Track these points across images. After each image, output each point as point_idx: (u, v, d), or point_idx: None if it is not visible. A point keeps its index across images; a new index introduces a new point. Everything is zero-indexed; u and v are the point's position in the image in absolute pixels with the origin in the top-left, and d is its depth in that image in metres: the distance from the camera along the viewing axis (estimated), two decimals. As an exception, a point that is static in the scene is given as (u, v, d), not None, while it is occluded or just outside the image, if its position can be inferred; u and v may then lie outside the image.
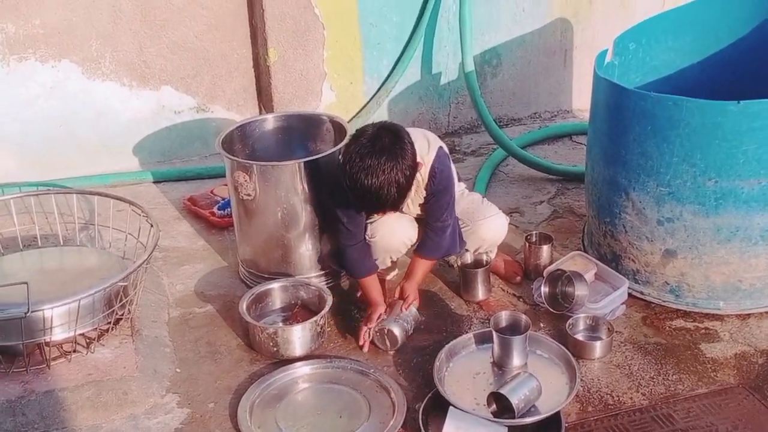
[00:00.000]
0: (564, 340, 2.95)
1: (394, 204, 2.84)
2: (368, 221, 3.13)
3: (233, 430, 2.68)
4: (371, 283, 3.15)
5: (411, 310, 3.08)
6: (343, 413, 2.73)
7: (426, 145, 2.99)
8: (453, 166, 3.13)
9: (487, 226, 3.19)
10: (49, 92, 4.18)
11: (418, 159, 2.89)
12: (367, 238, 3.14)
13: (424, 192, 3.02)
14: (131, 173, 4.33)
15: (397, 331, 2.99)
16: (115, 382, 2.80)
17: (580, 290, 3.06)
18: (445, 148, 3.07)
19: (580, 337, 2.99)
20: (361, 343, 3.03)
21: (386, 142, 2.78)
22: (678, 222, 3.04)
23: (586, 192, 3.49)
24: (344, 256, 3.15)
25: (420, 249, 3.16)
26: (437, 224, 3.08)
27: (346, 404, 2.77)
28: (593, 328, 3.03)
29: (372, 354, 3.01)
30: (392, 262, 3.27)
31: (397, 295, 3.15)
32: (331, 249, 3.27)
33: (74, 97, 4.22)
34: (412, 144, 2.84)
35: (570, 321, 3.00)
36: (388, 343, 3.01)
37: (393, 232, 3.12)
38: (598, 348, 2.94)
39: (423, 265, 3.17)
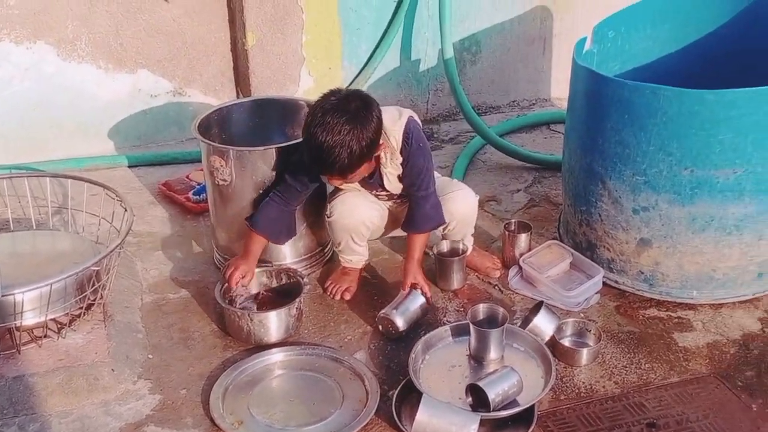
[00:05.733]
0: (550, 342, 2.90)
1: (342, 170, 2.78)
2: (329, 201, 3.12)
3: (205, 417, 2.67)
4: (257, 242, 3.10)
5: (414, 296, 3.02)
6: (316, 400, 2.72)
7: (398, 114, 2.97)
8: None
9: (455, 199, 3.14)
10: (24, 74, 4.13)
11: (391, 127, 2.88)
12: (325, 217, 3.13)
13: (400, 158, 2.97)
14: (106, 157, 4.29)
15: (398, 319, 2.96)
16: (86, 368, 2.77)
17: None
18: (417, 118, 3.02)
19: (566, 342, 2.94)
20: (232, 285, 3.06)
21: (353, 106, 2.75)
22: (653, 211, 3.04)
23: (562, 180, 3.49)
24: (262, 203, 3.09)
25: (409, 224, 3.09)
26: (420, 193, 3.02)
27: (319, 391, 2.76)
28: (581, 333, 2.98)
29: (345, 341, 3.00)
30: (358, 246, 3.19)
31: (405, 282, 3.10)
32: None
33: (49, 79, 4.17)
34: (379, 120, 2.81)
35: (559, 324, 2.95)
36: (391, 329, 2.98)
37: (351, 210, 3.09)
38: (584, 355, 2.87)
39: (417, 241, 3.11)
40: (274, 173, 3.16)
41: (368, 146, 2.78)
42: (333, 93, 2.82)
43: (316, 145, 2.74)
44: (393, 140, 2.92)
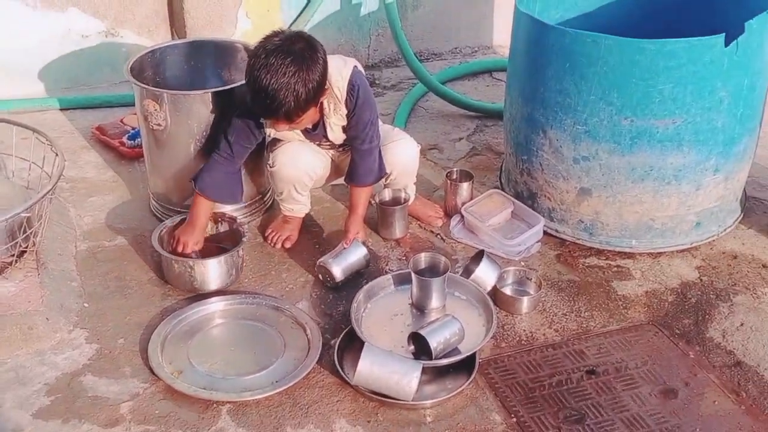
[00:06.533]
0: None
1: (288, 114, 2.71)
2: (270, 150, 3.07)
3: (143, 366, 2.63)
4: (204, 206, 3.01)
5: (356, 246, 2.99)
6: (257, 350, 2.70)
7: (342, 63, 2.88)
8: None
9: (396, 149, 3.10)
10: (-55, 11, 3.95)
11: (336, 77, 2.81)
12: (267, 167, 3.08)
13: (345, 109, 2.90)
14: (36, 100, 4.15)
15: (335, 268, 2.93)
16: (19, 317, 2.70)
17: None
18: (361, 68, 2.95)
19: (507, 291, 2.95)
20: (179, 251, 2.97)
21: (298, 47, 2.67)
22: (593, 161, 3.06)
23: (504, 129, 3.48)
24: (206, 164, 3.00)
25: (352, 177, 3.04)
26: (363, 147, 2.97)
27: (260, 341, 2.74)
28: (521, 281, 3.00)
29: (287, 290, 2.98)
30: (300, 195, 3.13)
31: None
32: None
33: (-27, 17, 4.00)
34: (325, 62, 2.74)
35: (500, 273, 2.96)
36: (328, 278, 2.96)
37: (294, 161, 3.03)
38: (525, 303, 2.89)
39: (361, 195, 3.07)
40: (210, 118, 3.08)
41: (315, 89, 2.70)
42: (276, 34, 2.73)
43: (260, 88, 2.65)
44: (336, 90, 2.85)
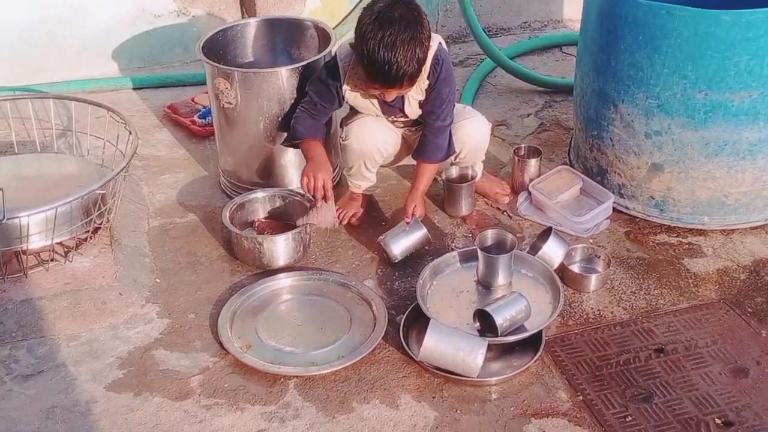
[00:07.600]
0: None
1: (412, 77, 2.76)
2: (345, 124, 3.08)
3: (213, 341, 2.68)
4: (314, 145, 3.01)
5: (416, 225, 2.97)
6: (324, 325, 2.73)
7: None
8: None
9: (467, 128, 3.09)
10: (24, -6, 4.05)
11: None
12: (340, 141, 3.10)
13: (426, 82, 2.90)
14: (110, 79, 4.24)
15: (393, 247, 2.93)
16: (93, 292, 2.78)
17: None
18: (445, 45, 2.96)
19: (575, 268, 2.91)
20: (306, 189, 2.95)
21: (404, 10, 2.72)
22: (666, 135, 2.99)
23: (574, 105, 3.43)
24: (295, 118, 3.04)
25: (421, 152, 3.04)
26: (437, 123, 2.97)
27: (327, 316, 2.77)
28: (590, 259, 2.96)
29: (353, 267, 3.00)
30: (369, 172, 3.14)
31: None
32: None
33: (50, -1, 4.09)
34: (426, 15, 2.78)
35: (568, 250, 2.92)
36: (388, 256, 2.96)
37: (367, 135, 3.03)
38: (593, 281, 2.85)
39: (426, 171, 3.07)
40: (280, 96, 3.11)
41: (428, 43, 2.76)
42: (375, 3, 2.76)
43: (383, 62, 2.68)
44: None
